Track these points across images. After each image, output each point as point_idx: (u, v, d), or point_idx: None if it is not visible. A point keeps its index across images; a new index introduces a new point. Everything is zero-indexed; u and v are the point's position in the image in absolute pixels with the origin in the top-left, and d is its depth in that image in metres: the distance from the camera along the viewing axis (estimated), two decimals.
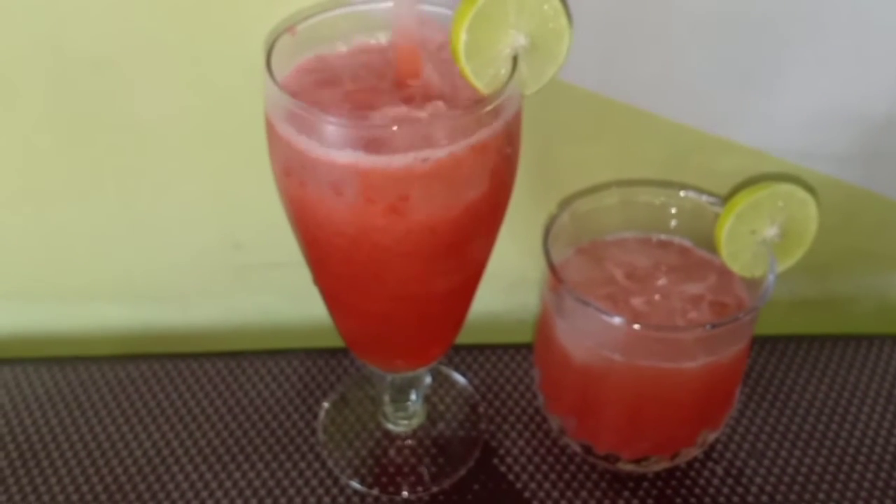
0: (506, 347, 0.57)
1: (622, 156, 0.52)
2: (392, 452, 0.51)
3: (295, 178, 0.36)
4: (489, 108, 0.35)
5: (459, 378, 0.56)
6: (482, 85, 0.36)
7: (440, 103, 0.36)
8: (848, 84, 0.49)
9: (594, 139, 0.52)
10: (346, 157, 0.34)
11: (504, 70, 0.36)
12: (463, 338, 0.48)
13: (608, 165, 0.52)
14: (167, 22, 0.46)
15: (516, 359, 0.57)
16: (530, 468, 0.50)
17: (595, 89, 0.49)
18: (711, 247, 0.47)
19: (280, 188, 0.39)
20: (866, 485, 0.49)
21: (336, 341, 0.48)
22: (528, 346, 0.56)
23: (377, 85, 0.37)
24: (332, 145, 0.34)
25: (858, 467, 0.50)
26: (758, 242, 0.45)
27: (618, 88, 0.49)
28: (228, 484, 0.49)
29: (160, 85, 0.48)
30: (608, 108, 0.49)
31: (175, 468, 0.50)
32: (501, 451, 0.51)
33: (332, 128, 0.34)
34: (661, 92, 0.50)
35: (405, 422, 0.52)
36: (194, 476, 0.49)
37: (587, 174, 0.51)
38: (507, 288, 0.58)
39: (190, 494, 0.48)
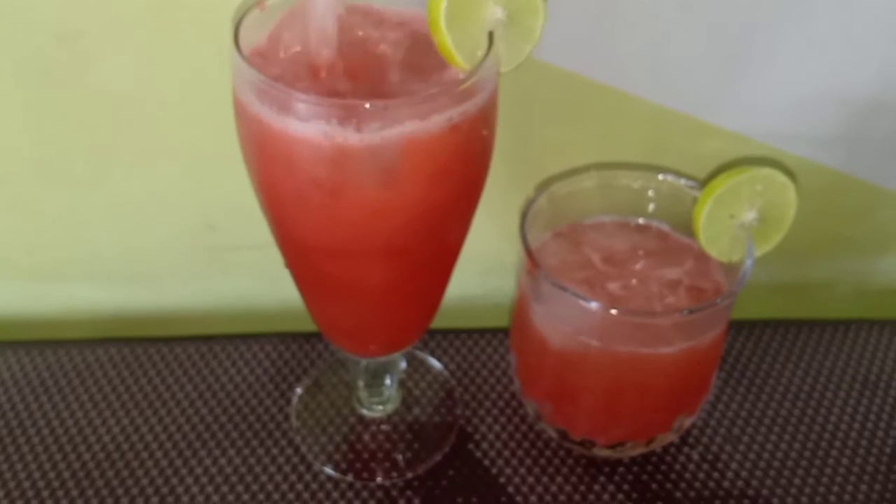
0: (482, 332, 0.57)
1: (602, 138, 0.52)
2: (366, 438, 0.51)
3: (263, 157, 0.35)
4: (465, 85, 0.34)
5: (435, 363, 0.55)
6: (462, 58, 0.35)
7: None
8: (835, 67, 0.48)
9: (574, 121, 0.51)
10: (316, 134, 0.33)
11: (480, 49, 0.35)
12: (438, 322, 0.47)
13: (587, 148, 0.51)
14: None
15: (493, 343, 0.56)
16: (506, 453, 0.50)
17: (576, 70, 0.48)
18: (689, 231, 0.46)
19: (249, 168, 0.38)
20: (842, 470, 0.49)
21: (310, 325, 0.47)
22: (504, 331, 0.55)
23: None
24: (301, 122, 0.33)
25: (834, 452, 0.50)
26: (736, 227, 0.45)
27: (599, 69, 0.48)
28: (199, 470, 0.48)
29: (131, 60, 0.47)
30: (589, 89, 0.48)
31: (145, 454, 0.49)
32: (477, 437, 0.51)
33: (302, 105, 0.33)
34: (643, 74, 0.49)
35: (380, 407, 0.52)
36: (164, 462, 0.49)
37: (566, 157, 0.50)
38: (484, 272, 0.57)
39: (160, 481, 0.48)
